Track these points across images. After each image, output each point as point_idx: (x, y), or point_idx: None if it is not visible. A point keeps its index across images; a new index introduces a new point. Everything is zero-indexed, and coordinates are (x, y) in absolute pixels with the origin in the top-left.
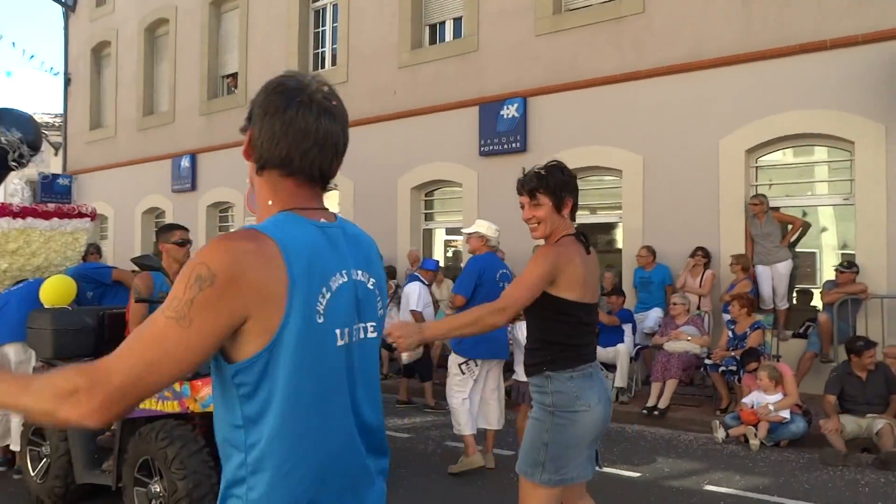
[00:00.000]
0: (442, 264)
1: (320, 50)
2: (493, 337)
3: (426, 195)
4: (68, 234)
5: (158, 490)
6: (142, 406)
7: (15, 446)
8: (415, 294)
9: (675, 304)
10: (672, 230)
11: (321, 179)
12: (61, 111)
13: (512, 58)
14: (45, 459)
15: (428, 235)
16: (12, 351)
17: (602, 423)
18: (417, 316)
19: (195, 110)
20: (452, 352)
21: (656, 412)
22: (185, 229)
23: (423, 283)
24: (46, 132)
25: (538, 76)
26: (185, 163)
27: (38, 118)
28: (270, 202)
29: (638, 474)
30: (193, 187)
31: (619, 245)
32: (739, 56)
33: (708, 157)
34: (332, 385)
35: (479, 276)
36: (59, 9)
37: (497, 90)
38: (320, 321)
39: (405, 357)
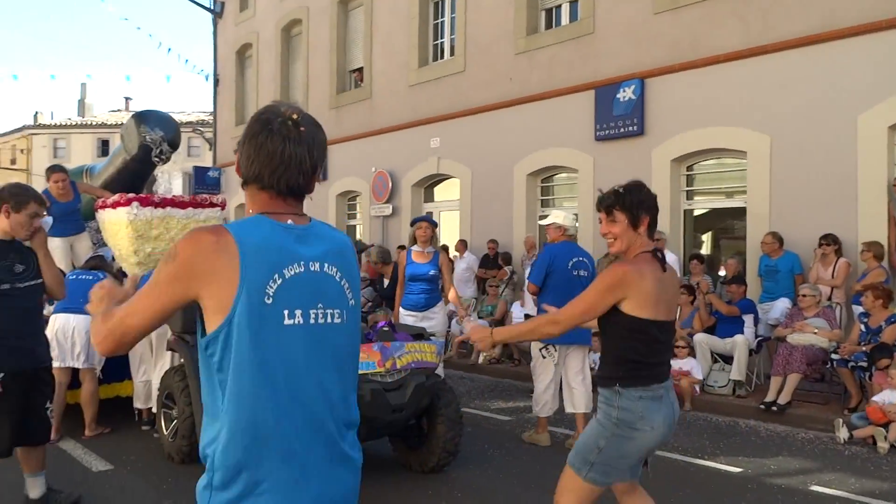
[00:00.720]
0: None
1: (439, 41)
2: None
3: (542, 181)
4: (201, 221)
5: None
6: None
7: (142, 405)
8: None
9: (804, 295)
10: (801, 215)
11: (291, 192)
12: (212, 110)
13: (629, 38)
14: (174, 421)
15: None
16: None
17: (660, 441)
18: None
19: (325, 104)
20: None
21: (775, 408)
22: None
23: None
24: (202, 129)
25: (657, 56)
26: None
27: (195, 117)
28: (251, 210)
29: (739, 469)
30: (325, 177)
31: (744, 232)
32: (880, 23)
33: (844, 134)
34: (286, 358)
35: (549, 264)
36: (208, 16)
37: (613, 72)
38: (269, 302)
39: (482, 356)
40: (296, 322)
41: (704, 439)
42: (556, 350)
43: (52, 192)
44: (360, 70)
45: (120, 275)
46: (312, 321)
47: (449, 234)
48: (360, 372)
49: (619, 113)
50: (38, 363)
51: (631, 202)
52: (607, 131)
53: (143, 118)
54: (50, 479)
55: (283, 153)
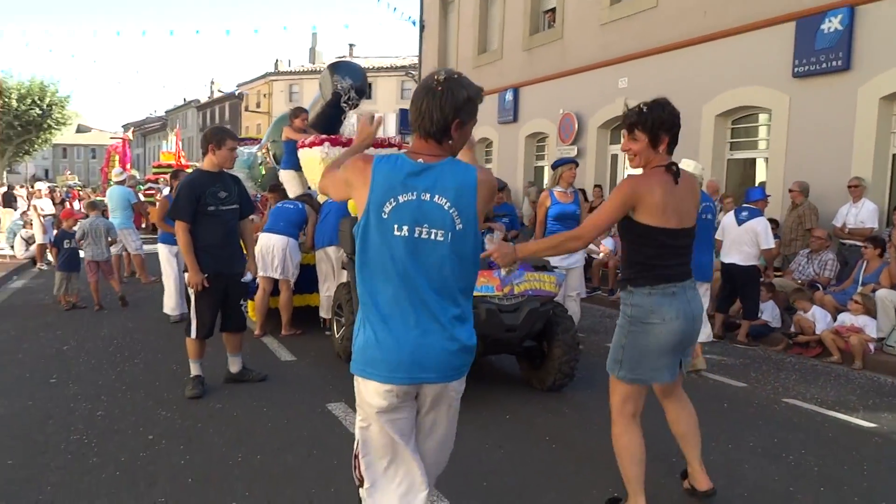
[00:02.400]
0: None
1: None
2: (697, 263)
3: (733, 123)
4: None
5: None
6: None
7: (325, 314)
8: (766, 230)
9: None
10: None
11: (429, 136)
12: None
13: None
14: (343, 327)
15: (734, 165)
16: (332, 251)
17: (679, 336)
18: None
19: (518, 46)
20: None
21: None
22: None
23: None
24: (413, 73)
25: None
26: (509, 96)
27: (409, 61)
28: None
29: (873, 425)
30: (515, 119)
31: None
32: None
33: None
34: (393, 256)
35: None
36: None
37: (819, 1)
38: (384, 217)
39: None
40: (402, 234)
41: (852, 395)
42: None
43: (295, 128)
44: (552, 11)
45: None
46: (416, 235)
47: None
48: (479, 294)
49: (822, 46)
50: (234, 270)
51: (652, 122)
52: (807, 67)
53: (335, 68)
54: (247, 361)
55: (422, 107)
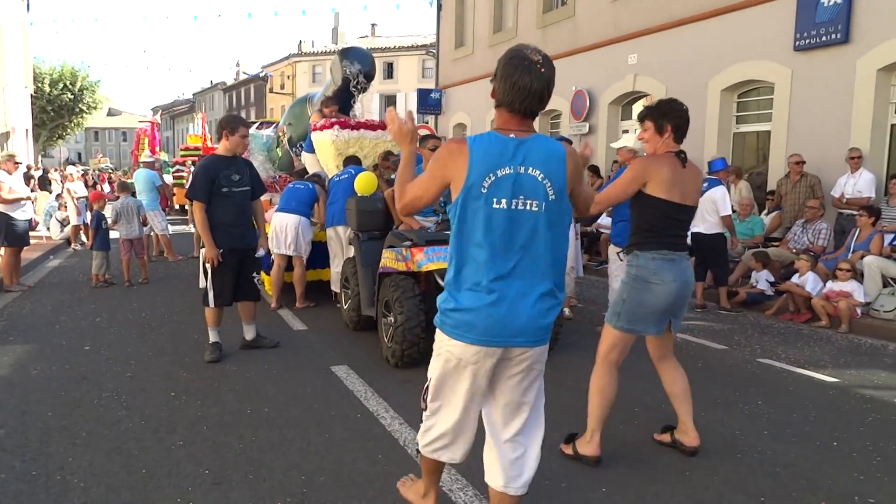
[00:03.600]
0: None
1: None
2: None
3: (739, 97)
4: (388, 141)
5: (392, 321)
6: (386, 265)
7: (336, 288)
8: (724, 198)
9: None
10: None
11: (527, 115)
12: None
13: None
14: (349, 299)
15: (740, 139)
16: (341, 229)
17: (675, 297)
18: (729, 220)
19: (532, 25)
20: (611, 243)
21: None
22: (438, 138)
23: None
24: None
25: None
26: None
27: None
28: (497, 125)
29: (836, 380)
30: None
31: None
32: None
33: None
34: (491, 226)
35: None
36: None
37: None
38: (483, 191)
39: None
40: (501, 206)
41: (827, 355)
42: None
43: (325, 116)
44: None
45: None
46: (513, 207)
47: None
48: None
49: (822, 19)
50: (246, 245)
51: (657, 113)
52: (808, 40)
53: (345, 54)
54: (262, 330)
55: (531, 87)
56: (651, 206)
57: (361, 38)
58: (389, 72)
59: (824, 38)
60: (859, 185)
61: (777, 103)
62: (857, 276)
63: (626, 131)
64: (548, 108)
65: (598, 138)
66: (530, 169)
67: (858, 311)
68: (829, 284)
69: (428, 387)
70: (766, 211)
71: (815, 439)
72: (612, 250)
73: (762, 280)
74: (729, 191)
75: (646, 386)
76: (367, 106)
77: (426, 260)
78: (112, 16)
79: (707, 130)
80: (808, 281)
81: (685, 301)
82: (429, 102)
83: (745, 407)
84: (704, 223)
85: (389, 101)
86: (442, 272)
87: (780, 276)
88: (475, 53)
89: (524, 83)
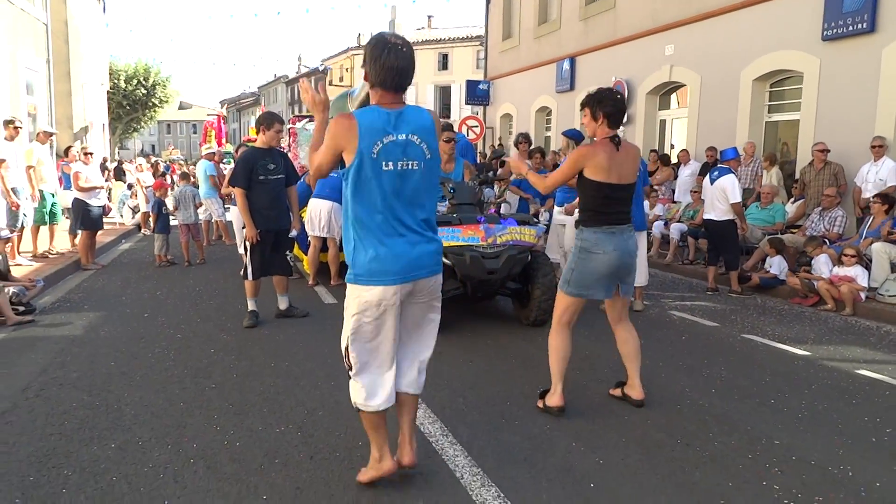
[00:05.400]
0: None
1: None
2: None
3: (771, 86)
4: None
5: None
6: None
7: None
8: (734, 186)
9: None
10: None
11: (398, 90)
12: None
13: None
14: None
15: (772, 128)
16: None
17: (616, 264)
18: (738, 207)
19: (575, 16)
20: None
21: None
22: (452, 130)
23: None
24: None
25: None
26: (566, 65)
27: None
28: (373, 102)
29: (807, 353)
30: (572, 87)
31: None
32: None
33: None
34: (392, 191)
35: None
36: None
37: None
38: (374, 157)
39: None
40: (390, 168)
41: (814, 333)
42: None
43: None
44: None
45: None
46: (400, 168)
47: (680, 142)
48: (466, 243)
49: (849, 9)
50: (281, 226)
51: (593, 101)
52: (835, 30)
53: None
54: (296, 302)
55: (398, 66)
56: (591, 188)
57: (418, 29)
58: (444, 63)
59: (851, 28)
60: (882, 172)
61: (806, 93)
62: (864, 261)
63: (663, 121)
64: None
65: (636, 128)
66: (410, 135)
67: (862, 295)
68: (835, 269)
69: (347, 347)
70: (792, 199)
71: (757, 398)
72: None
73: (775, 265)
74: (761, 177)
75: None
76: (422, 97)
77: None
78: (180, 16)
79: (739, 119)
80: (819, 265)
81: (629, 268)
82: (477, 94)
83: (707, 371)
84: (715, 210)
85: (444, 92)
86: (446, 249)
87: (794, 262)
88: (521, 45)
89: (391, 63)
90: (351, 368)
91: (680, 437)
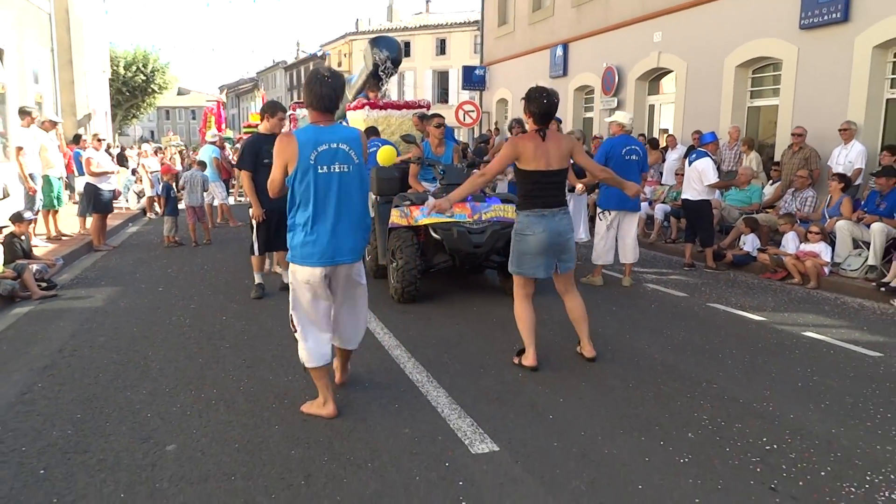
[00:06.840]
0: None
1: None
2: (621, 193)
3: (753, 73)
4: (409, 118)
5: (396, 265)
6: (393, 221)
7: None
8: (710, 169)
9: None
10: None
11: (327, 111)
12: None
13: None
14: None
15: (754, 113)
16: (370, 194)
17: (547, 243)
18: (718, 183)
19: (568, 3)
20: (598, 206)
21: (883, 288)
22: (441, 116)
23: (711, 157)
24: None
25: None
26: (559, 52)
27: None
28: (310, 120)
29: (762, 318)
30: (565, 73)
31: None
32: None
33: None
34: (324, 188)
35: (606, 153)
36: None
37: None
38: (312, 162)
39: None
40: (325, 171)
41: (773, 302)
42: (610, 214)
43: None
44: None
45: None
46: (335, 170)
47: (668, 126)
48: (454, 220)
49: None
50: (284, 206)
51: (525, 98)
52: (812, 19)
53: (374, 42)
54: None
55: (322, 93)
56: (522, 176)
57: (416, 14)
58: (442, 48)
59: (826, 17)
60: (850, 156)
61: (784, 79)
62: (829, 238)
63: (651, 105)
64: (581, 84)
65: (626, 111)
66: (339, 143)
67: (826, 269)
68: (801, 245)
69: (291, 315)
70: (770, 181)
71: (706, 353)
72: (598, 212)
73: (749, 243)
74: (741, 160)
75: (592, 317)
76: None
77: (422, 215)
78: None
79: (723, 104)
80: (787, 241)
81: (562, 247)
82: (473, 79)
83: (667, 332)
84: (691, 191)
85: (442, 77)
86: (435, 225)
87: (767, 240)
88: (516, 31)
89: (321, 92)
90: (295, 330)
91: (631, 383)
